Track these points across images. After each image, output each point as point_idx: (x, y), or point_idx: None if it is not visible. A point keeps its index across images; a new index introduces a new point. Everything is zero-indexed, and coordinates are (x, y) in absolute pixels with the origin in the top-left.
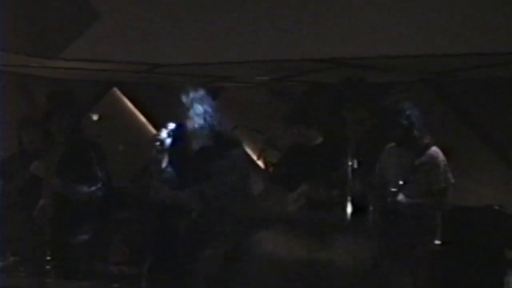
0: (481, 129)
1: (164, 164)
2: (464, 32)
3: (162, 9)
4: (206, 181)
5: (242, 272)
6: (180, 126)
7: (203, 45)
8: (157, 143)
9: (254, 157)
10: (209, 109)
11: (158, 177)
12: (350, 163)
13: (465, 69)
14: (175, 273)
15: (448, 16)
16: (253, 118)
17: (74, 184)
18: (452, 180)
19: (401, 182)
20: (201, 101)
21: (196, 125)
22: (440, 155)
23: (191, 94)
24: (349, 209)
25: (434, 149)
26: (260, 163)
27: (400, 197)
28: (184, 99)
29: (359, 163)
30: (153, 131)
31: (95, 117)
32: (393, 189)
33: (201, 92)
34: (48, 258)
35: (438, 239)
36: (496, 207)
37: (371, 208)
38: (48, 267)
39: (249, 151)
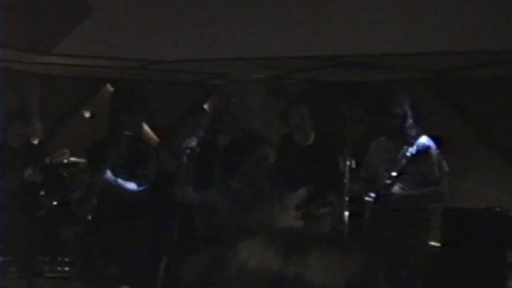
0: (482, 129)
1: (192, 170)
2: (464, 30)
3: (156, 4)
4: (233, 177)
5: (218, 281)
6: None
7: (198, 41)
8: (188, 151)
9: None
10: (238, 104)
11: (186, 182)
12: (348, 164)
13: (465, 67)
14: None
15: (446, 15)
16: (249, 115)
17: (125, 181)
18: (447, 169)
19: (394, 174)
20: (231, 98)
21: (225, 121)
22: (432, 144)
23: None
24: (346, 212)
25: (425, 138)
26: None
27: (395, 188)
28: (216, 94)
29: (357, 164)
30: (147, 128)
31: (87, 114)
32: (387, 181)
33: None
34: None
35: (437, 242)
36: (497, 209)
37: (367, 208)
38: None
39: None
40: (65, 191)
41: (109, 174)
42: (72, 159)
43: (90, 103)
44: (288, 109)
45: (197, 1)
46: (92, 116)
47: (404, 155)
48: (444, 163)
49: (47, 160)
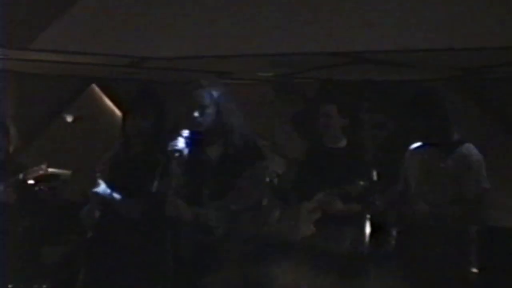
0: None
1: (181, 178)
2: (496, 27)
3: None
4: (230, 196)
5: None
6: (196, 133)
7: (196, 35)
8: (177, 154)
9: None
10: (230, 108)
11: (177, 191)
12: (369, 174)
13: (498, 66)
14: None
15: (474, 10)
16: (255, 120)
17: (124, 196)
18: (488, 185)
19: (425, 188)
20: (220, 98)
21: (214, 129)
22: (475, 154)
23: (209, 90)
24: (367, 228)
25: (467, 147)
26: None
27: (422, 206)
28: (200, 96)
29: (378, 175)
30: None
31: (69, 118)
32: (416, 196)
33: (220, 88)
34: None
35: (474, 267)
36: None
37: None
38: None
39: None
40: (43, 210)
41: (102, 187)
42: (51, 170)
43: (73, 105)
44: (308, 109)
45: None
46: (75, 120)
47: (440, 166)
48: (485, 179)
49: (21, 176)
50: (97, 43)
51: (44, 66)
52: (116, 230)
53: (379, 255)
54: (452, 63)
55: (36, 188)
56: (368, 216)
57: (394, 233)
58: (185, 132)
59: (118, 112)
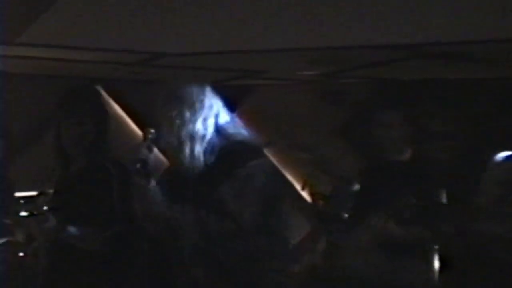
0: None
1: (153, 196)
2: None
3: None
4: (209, 211)
5: None
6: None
7: (220, 26)
8: (138, 164)
9: (297, 187)
10: (221, 112)
11: (147, 209)
12: (435, 195)
13: None
14: None
15: None
16: (294, 130)
17: (80, 227)
18: None
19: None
20: (208, 99)
21: (197, 132)
22: None
23: (194, 90)
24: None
25: None
26: (305, 194)
27: (488, 226)
28: (183, 96)
29: (447, 196)
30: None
31: None
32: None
33: (207, 88)
34: None
35: None
36: None
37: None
38: None
39: (289, 177)
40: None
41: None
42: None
43: (72, 111)
44: (360, 115)
45: None
46: None
47: None
48: None
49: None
50: (100, 37)
51: (34, 65)
52: (74, 266)
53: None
54: None
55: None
56: (436, 246)
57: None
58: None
59: (126, 119)
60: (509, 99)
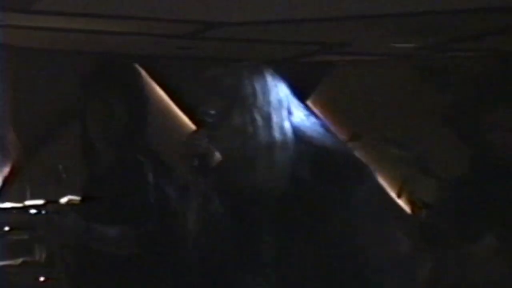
0: None
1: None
2: None
3: None
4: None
5: None
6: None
7: None
8: (195, 161)
9: (391, 193)
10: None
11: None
12: None
13: None
14: None
15: None
16: (386, 119)
17: (103, 226)
18: None
19: None
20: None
21: (273, 131)
22: None
23: (261, 73)
24: None
25: None
26: (402, 203)
27: None
28: (247, 82)
29: None
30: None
31: None
32: None
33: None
34: None
35: None
36: None
37: None
38: None
39: (380, 181)
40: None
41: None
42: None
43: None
44: (472, 100)
45: None
46: None
47: None
48: None
49: None
50: (135, 4)
51: (55, 38)
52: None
53: None
54: None
55: None
56: None
57: None
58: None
59: (172, 105)
60: None
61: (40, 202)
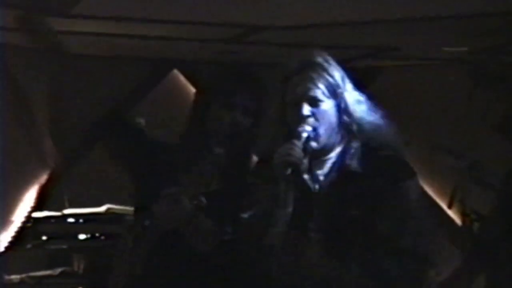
0: None
1: (290, 207)
2: None
3: None
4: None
5: None
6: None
7: None
8: (289, 170)
9: (442, 204)
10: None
11: (282, 225)
12: None
13: None
14: None
15: None
16: (437, 126)
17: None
18: None
19: None
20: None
21: (337, 133)
22: None
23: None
24: None
25: None
26: (454, 214)
27: None
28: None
29: None
30: None
31: (143, 122)
32: None
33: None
34: None
35: None
36: None
37: None
38: None
39: (429, 190)
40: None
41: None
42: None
43: (142, 104)
44: None
45: None
46: (146, 127)
47: None
48: None
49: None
50: (173, 9)
51: (91, 42)
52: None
53: None
54: None
55: None
56: None
57: None
58: (306, 130)
59: None
60: None
61: (78, 210)
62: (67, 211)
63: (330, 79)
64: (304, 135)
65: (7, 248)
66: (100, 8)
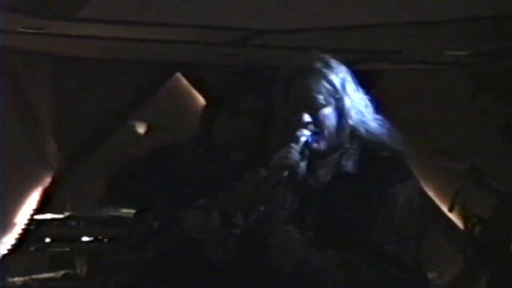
0: None
1: (288, 202)
2: None
3: None
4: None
5: None
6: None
7: None
8: (285, 172)
9: (443, 207)
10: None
11: (282, 224)
12: None
13: None
14: None
15: None
16: (438, 129)
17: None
18: None
19: None
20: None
21: (338, 132)
22: None
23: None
24: None
25: None
26: (455, 218)
27: None
28: (311, 87)
29: None
30: None
31: (141, 129)
32: None
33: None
34: None
35: None
36: None
37: None
38: None
39: (430, 194)
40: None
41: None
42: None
43: (145, 107)
44: None
45: None
46: (149, 131)
47: None
48: None
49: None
50: (179, 12)
51: (97, 46)
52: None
53: None
54: None
55: None
56: None
57: None
58: (304, 134)
59: None
60: None
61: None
62: (70, 213)
63: (329, 85)
64: (303, 139)
65: (10, 250)
66: (104, 12)
